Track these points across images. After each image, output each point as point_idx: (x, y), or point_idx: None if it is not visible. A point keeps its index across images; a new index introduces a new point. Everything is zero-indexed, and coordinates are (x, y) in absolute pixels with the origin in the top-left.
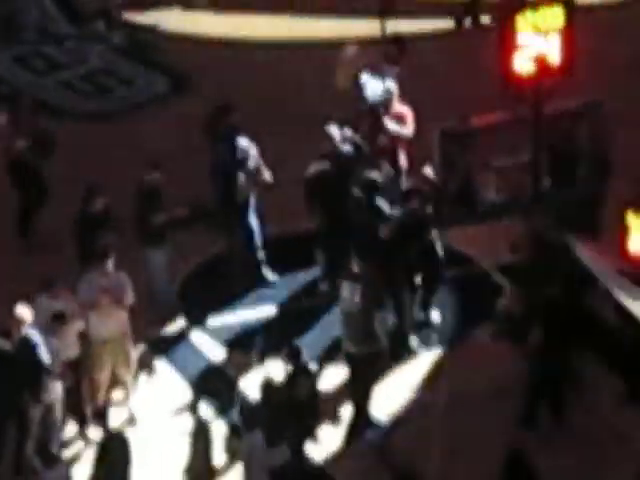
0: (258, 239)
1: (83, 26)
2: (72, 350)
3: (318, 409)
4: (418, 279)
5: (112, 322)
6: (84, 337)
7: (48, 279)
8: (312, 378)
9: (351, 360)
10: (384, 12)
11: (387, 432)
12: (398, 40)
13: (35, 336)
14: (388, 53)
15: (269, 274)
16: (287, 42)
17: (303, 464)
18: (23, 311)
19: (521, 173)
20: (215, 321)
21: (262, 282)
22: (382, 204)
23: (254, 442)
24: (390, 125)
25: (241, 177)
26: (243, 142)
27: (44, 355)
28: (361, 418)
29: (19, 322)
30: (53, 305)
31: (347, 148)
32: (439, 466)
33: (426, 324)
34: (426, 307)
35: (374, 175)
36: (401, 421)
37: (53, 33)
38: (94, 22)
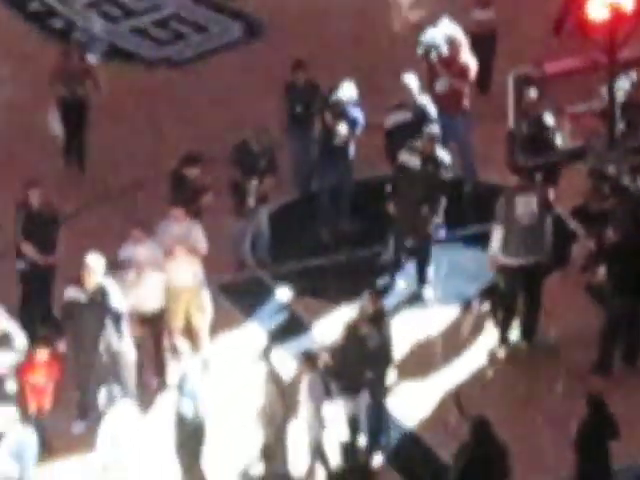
0: (347, 188)
1: None
2: (153, 301)
3: (392, 356)
4: None
5: (187, 271)
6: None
7: (141, 221)
8: (388, 323)
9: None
10: None
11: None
12: None
13: (109, 284)
14: None
15: (347, 224)
16: None
17: (381, 412)
18: (94, 261)
19: (595, 119)
20: (289, 266)
21: (340, 230)
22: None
23: (316, 384)
24: (442, 72)
25: (342, 125)
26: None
27: (119, 303)
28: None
29: (91, 272)
30: (135, 250)
31: (423, 99)
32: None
33: None
34: None
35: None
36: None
37: None
38: None
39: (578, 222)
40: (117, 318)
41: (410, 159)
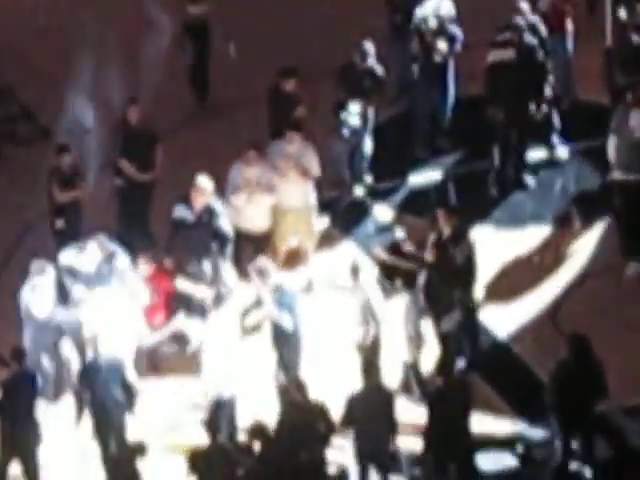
0: (447, 107)
1: None
2: (261, 222)
3: (476, 273)
4: None
5: (297, 192)
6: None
7: (254, 143)
8: (469, 239)
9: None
10: None
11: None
12: None
13: (217, 205)
14: None
15: (445, 141)
16: None
17: (475, 328)
18: (204, 182)
19: None
20: (387, 184)
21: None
22: None
23: (413, 303)
24: None
25: (442, 42)
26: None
27: (226, 225)
28: None
29: (201, 192)
30: (247, 171)
31: (529, 36)
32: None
33: None
34: None
35: None
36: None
37: None
38: None
39: None
40: (223, 240)
41: (502, 53)
